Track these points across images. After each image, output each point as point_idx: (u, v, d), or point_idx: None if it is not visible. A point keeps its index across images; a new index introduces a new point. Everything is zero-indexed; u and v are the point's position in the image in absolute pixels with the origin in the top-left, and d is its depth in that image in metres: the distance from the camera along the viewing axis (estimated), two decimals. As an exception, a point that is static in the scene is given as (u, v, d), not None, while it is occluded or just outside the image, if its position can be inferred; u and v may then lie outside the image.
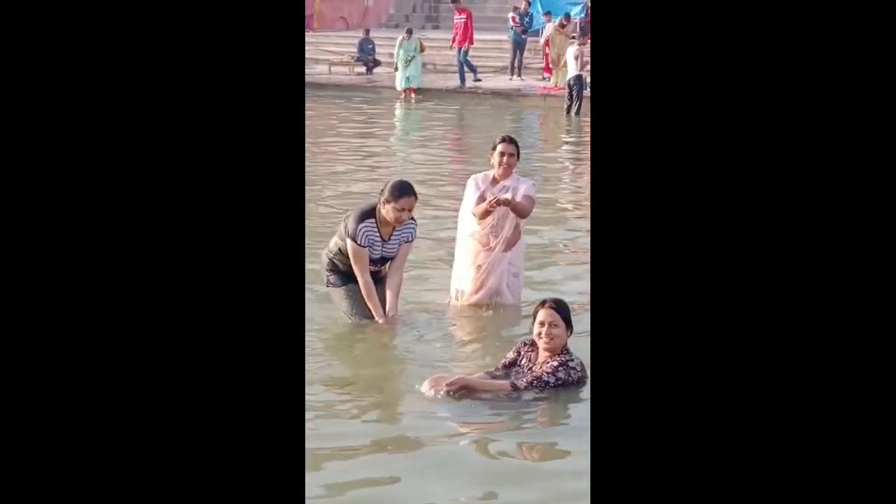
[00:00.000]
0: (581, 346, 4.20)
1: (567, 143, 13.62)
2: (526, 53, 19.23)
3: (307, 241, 3.05)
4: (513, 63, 19.07)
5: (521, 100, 17.42)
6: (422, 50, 17.62)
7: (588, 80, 15.24)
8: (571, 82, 15.48)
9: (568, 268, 6.60)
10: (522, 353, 4.24)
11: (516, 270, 5.45)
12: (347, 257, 4.93)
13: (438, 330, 5.09)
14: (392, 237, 4.96)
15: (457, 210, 5.68)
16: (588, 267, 6.23)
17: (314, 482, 2.32)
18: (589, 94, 14.83)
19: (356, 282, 4.98)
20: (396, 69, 17.34)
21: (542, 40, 18.88)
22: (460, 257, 5.47)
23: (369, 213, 4.90)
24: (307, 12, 21.24)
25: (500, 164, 5.28)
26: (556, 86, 17.56)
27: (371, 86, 18.80)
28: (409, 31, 17.33)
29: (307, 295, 4.11)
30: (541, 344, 4.16)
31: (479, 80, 18.45)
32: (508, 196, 5.15)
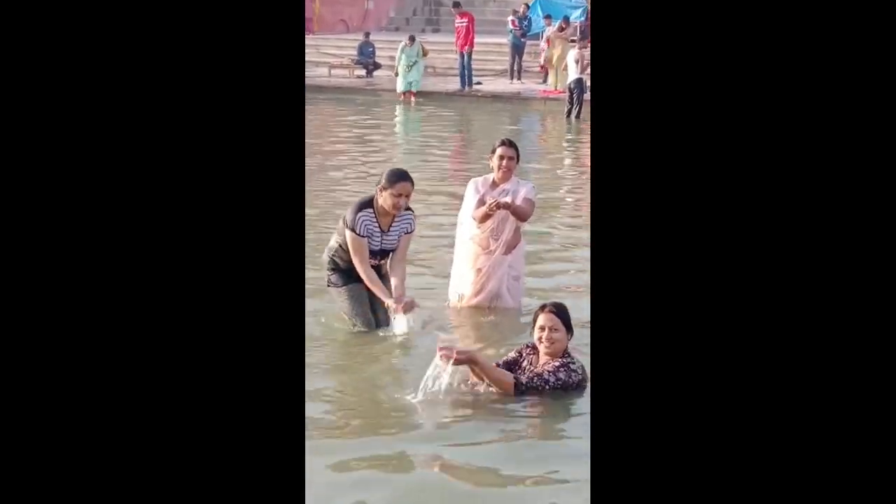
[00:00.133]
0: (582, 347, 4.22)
1: (567, 146, 13.62)
2: (525, 57, 19.26)
3: (306, 241, 3.04)
4: (512, 66, 19.10)
5: (521, 103, 17.43)
6: (424, 54, 17.63)
7: (588, 83, 15.26)
8: (572, 86, 15.50)
9: (568, 271, 6.60)
10: (524, 354, 4.23)
11: (517, 274, 5.45)
12: (348, 252, 4.91)
13: (438, 333, 5.08)
14: (391, 228, 4.94)
15: (456, 213, 5.67)
16: (588, 270, 6.28)
17: (310, 493, 2.32)
18: (589, 98, 14.84)
19: (357, 281, 4.97)
20: (397, 74, 17.32)
21: (541, 44, 18.92)
22: (460, 261, 5.46)
23: (367, 204, 4.91)
24: (307, 15, 21.27)
25: (499, 168, 5.28)
26: (555, 89, 17.58)
27: (371, 89, 18.82)
28: (412, 38, 17.32)
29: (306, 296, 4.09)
30: (541, 348, 4.16)
31: (480, 83, 18.47)
32: (508, 199, 5.15)
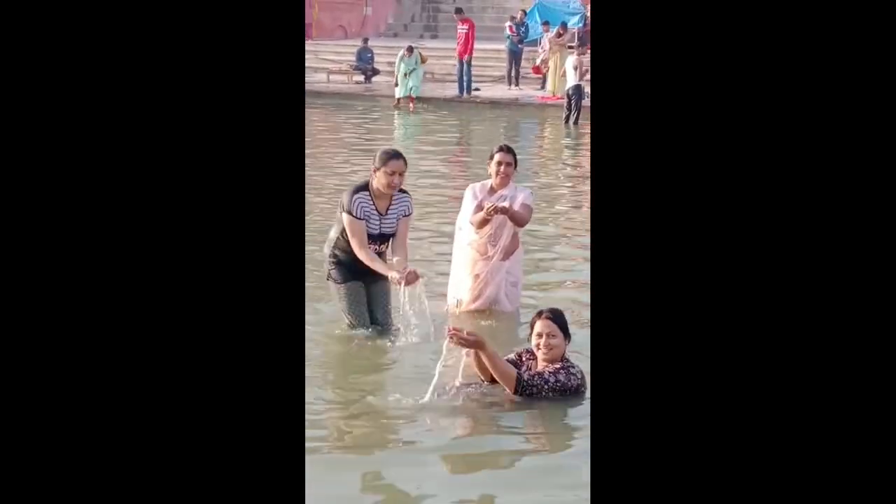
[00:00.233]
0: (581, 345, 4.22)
1: (565, 152, 13.63)
2: (523, 63, 19.29)
3: (306, 243, 3.05)
4: (510, 73, 19.13)
5: (520, 109, 17.45)
6: (423, 61, 17.63)
7: (587, 90, 15.29)
8: (570, 92, 15.52)
9: (566, 276, 6.61)
10: (524, 359, 4.24)
11: (515, 279, 5.46)
12: (348, 241, 4.89)
13: (436, 338, 5.09)
14: (389, 211, 4.93)
15: (455, 219, 5.68)
16: (587, 275, 6.29)
17: (309, 493, 2.34)
18: (588, 104, 14.86)
19: (357, 279, 4.97)
20: (397, 84, 17.30)
21: (539, 50, 18.95)
22: (458, 266, 5.47)
23: (363, 187, 4.92)
24: (306, 21, 21.28)
25: (497, 174, 5.30)
26: (553, 95, 17.60)
27: (369, 94, 18.84)
28: (410, 49, 17.30)
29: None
30: (539, 355, 4.16)
31: (478, 89, 18.49)
32: (506, 204, 5.16)
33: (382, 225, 4.93)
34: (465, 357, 4.12)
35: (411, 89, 17.32)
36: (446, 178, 10.57)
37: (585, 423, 3.63)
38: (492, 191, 5.34)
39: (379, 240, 4.94)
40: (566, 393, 4.07)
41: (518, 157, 5.49)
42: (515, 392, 4.05)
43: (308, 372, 3.19)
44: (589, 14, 20.99)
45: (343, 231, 4.91)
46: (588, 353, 4.50)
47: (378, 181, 4.85)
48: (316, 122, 14.64)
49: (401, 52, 17.33)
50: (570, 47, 17.84)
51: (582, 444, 3.59)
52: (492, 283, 5.34)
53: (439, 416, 4.01)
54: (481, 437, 3.90)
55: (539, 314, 4.23)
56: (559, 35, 18.05)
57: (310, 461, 2.24)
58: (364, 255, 4.84)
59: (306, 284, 3.74)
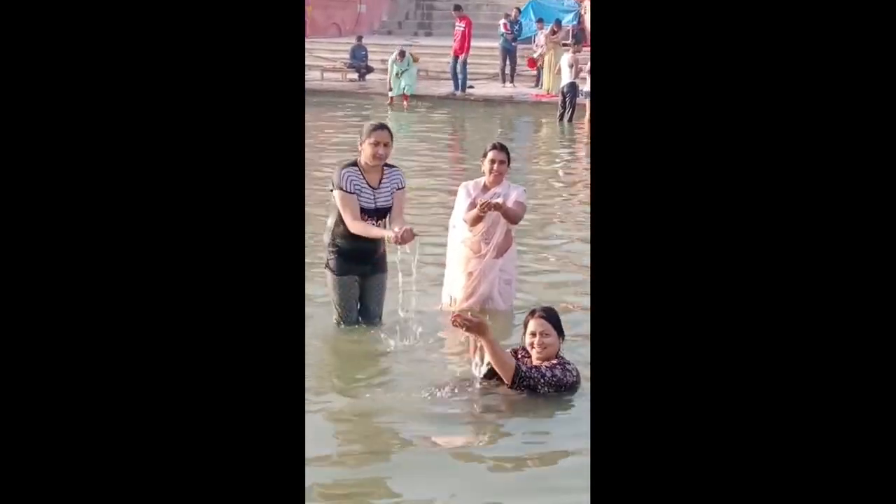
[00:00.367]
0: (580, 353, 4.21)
1: (560, 150, 13.64)
2: (518, 60, 19.29)
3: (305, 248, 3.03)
4: (503, 70, 19.12)
5: (514, 107, 17.45)
6: (415, 61, 17.62)
7: (582, 88, 15.31)
8: (565, 90, 15.53)
9: (560, 274, 6.61)
10: (519, 356, 4.23)
11: (508, 277, 5.46)
12: (345, 226, 4.86)
13: (430, 336, 5.09)
14: (381, 184, 4.92)
15: (448, 217, 5.68)
16: (580, 273, 6.30)
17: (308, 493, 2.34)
18: (586, 102, 14.88)
19: (355, 272, 4.97)
20: (391, 89, 17.26)
21: (534, 47, 18.96)
22: (452, 264, 5.47)
23: (351, 163, 4.93)
24: (300, 19, 21.21)
25: (490, 172, 5.30)
26: (547, 93, 17.60)
27: (363, 92, 18.82)
28: (402, 53, 17.26)
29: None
30: (534, 354, 4.17)
31: (472, 86, 18.49)
32: (500, 200, 5.15)
33: (377, 198, 4.90)
34: (465, 341, 4.11)
35: (405, 88, 17.31)
36: (440, 176, 10.56)
37: (586, 428, 3.59)
38: (485, 189, 5.34)
39: (375, 215, 4.90)
40: (561, 389, 4.07)
41: (512, 154, 5.49)
42: (512, 384, 4.03)
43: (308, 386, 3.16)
44: (583, 12, 21.02)
45: (340, 217, 4.89)
46: (580, 351, 4.54)
47: (364, 154, 4.87)
48: (310, 119, 14.60)
49: (392, 56, 17.30)
50: (565, 45, 17.85)
51: (582, 447, 3.56)
52: (485, 281, 5.34)
53: (437, 421, 3.99)
54: (481, 443, 3.87)
55: (532, 313, 4.23)
56: (553, 32, 18.06)
57: (309, 471, 2.23)
58: (358, 226, 4.82)
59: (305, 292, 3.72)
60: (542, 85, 18.37)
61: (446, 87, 18.59)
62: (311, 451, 2.34)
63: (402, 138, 13.40)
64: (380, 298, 5.13)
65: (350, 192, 4.83)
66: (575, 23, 20.85)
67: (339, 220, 4.90)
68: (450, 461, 3.68)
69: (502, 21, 19.22)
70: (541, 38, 18.55)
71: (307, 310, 3.91)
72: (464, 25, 18.30)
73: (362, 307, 5.13)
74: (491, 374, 4.13)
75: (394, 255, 4.89)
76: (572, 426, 3.89)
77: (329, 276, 5.04)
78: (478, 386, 4.16)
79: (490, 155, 5.30)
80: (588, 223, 8.18)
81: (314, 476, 3.16)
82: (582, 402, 4.01)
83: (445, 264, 5.57)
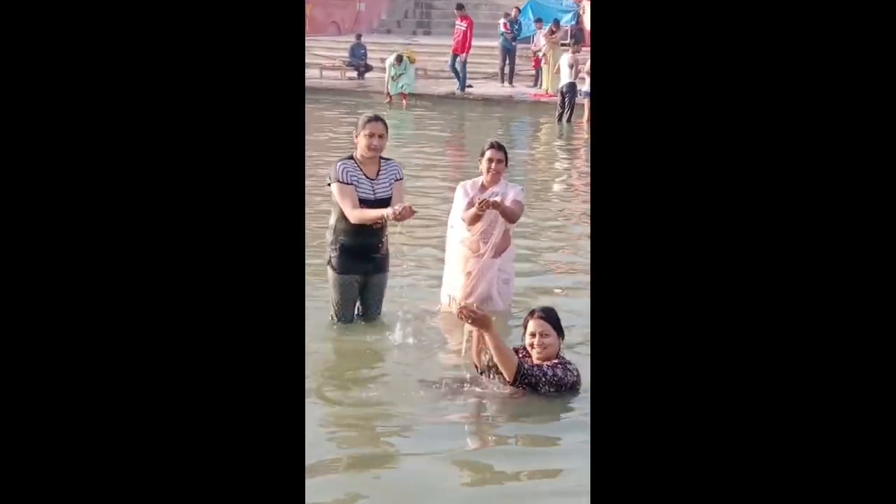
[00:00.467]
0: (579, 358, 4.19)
1: (558, 149, 13.64)
2: (517, 60, 19.27)
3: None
4: (503, 70, 19.11)
5: (513, 106, 17.44)
6: (412, 61, 17.61)
7: (581, 88, 15.31)
8: (564, 90, 15.53)
9: (559, 274, 6.60)
10: (520, 355, 4.22)
11: (507, 276, 5.45)
12: (347, 222, 4.86)
13: (429, 336, 5.08)
14: (379, 175, 4.92)
15: (447, 216, 5.67)
16: (580, 273, 6.29)
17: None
18: (584, 102, 14.88)
19: (357, 271, 4.96)
20: (388, 92, 17.25)
21: (532, 47, 18.95)
22: (450, 264, 5.46)
23: (347, 157, 4.96)
24: (299, 17, 21.19)
25: (488, 171, 5.29)
26: (546, 93, 17.59)
27: (362, 90, 18.80)
28: (399, 58, 17.24)
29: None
30: (534, 354, 4.16)
31: (471, 86, 18.47)
32: (498, 199, 5.14)
33: (376, 189, 4.89)
34: (469, 338, 4.10)
35: (403, 87, 17.31)
36: (438, 175, 10.54)
37: (585, 437, 3.57)
38: (483, 188, 5.33)
39: (375, 206, 4.87)
40: (562, 388, 4.07)
41: (511, 154, 5.47)
42: (514, 380, 4.02)
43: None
44: (581, 12, 21.01)
45: (341, 213, 4.88)
46: (580, 350, 4.54)
47: (360, 147, 4.89)
48: (308, 117, 14.59)
49: (390, 59, 17.29)
50: (564, 44, 17.83)
51: (582, 467, 3.52)
52: (483, 281, 5.33)
53: (436, 426, 3.96)
54: (480, 452, 3.85)
55: (531, 313, 4.22)
56: (552, 32, 18.04)
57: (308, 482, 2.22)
58: (357, 214, 4.81)
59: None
60: (541, 84, 18.35)
61: (445, 87, 18.57)
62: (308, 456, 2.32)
63: (401, 137, 13.42)
64: (380, 298, 5.14)
65: (347, 183, 4.83)
66: (573, 23, 20.83)
67: (341, 216, 4.90)
68: (447, 467, 3.66)
69: (502, 20, 19.19)
70: (539, 37, 18.53)
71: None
72: (465, 25, 18.28)
73: (362, 306, 5.13)
74: (492, 371, 4.11)
75: (393, 250, 4.87)
76: (573, 433, 3.86)
77: (330, 274, 5.04)
78: (477, 389, 4.14)
79: (488, 154, 5.30)
80: (588, 222, 8.19)
81: (309, 483, 3.14)
82: (581, 405, 3.99)
83: (444, 263, 5.56)
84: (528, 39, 19.54)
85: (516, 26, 19.46)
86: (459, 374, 4.36)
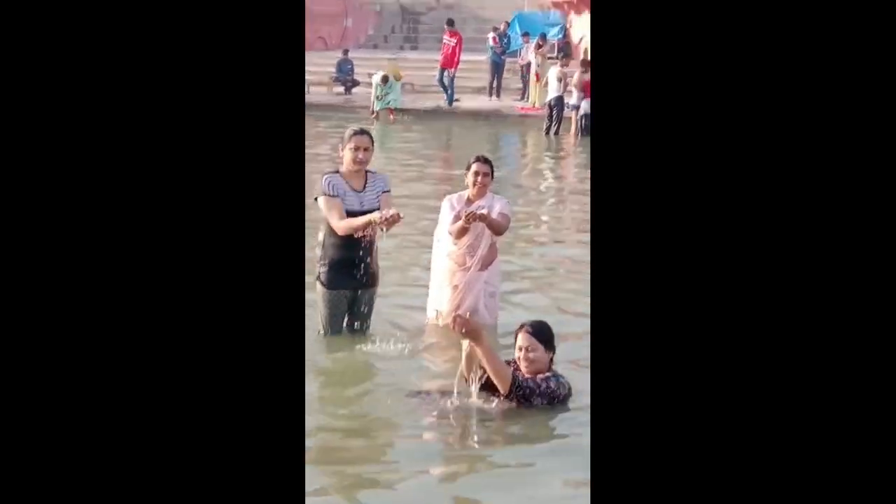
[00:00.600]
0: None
1: (546, 162, 13.66)
2: (505, 74, 19.34)
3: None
4: (492, 84, 19.16)
5: (500, 120, 17.48)
6: (398, 79, 17.66)
7: (568, 101, 15.37)
8: (552, 103, 15.58)
9: (546, 287, 6.60)
10: (512, 368, 4.21)
11: (493, 290, 5.45)
12: (335, 236, 4.85)
13: (415, 349, 5.07)
14: (366, 188, 4.92)
15: (434, 230, 5.66)
16: (567, 287, 6.29)
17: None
18: (574, 115, 14.93)
19: (345, 286, 4.94)
20: (373, 111, 17.27)
21: (520, 61, 19.00)
22: (437, 278, 5.46)
23: (334, 171, 4.98)
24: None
25: (474, 184, 5.30)
26: (533, 106, 17.64)
27: (349, 106, 18.81)
28: (385, 79, 17.28)
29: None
30: (522, 367, 4.15)
31: (458, 99, 18.51)
32: (484, 211, 5.15)
33: (363, 201, 4.89)
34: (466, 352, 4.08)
35: (390, 102, 17.34)
36: (425, 189, 10.54)
37: (583, 460, 3.56)
38: (469, 201, 5.34)
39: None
40: (554, 401, 4.07)
41: (500, 167, 5.48)
42: (509, 393, 4.00)
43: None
44: (568, 26, 21.11)
45: (329, 229, 4.87)
46: (574, 361, 4.53)
47: (345, 160, 4.90)
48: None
49: (376, 79, 17.33)
50: (551, 58, 17.89)
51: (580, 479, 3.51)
52: (470, 294, 5.32)
53: (424, 444, 3.94)
54: (475, 477, 3.79)
55: (521, 327, 4.22)
56: (539, 46, 18.10)
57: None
58: (344, 224, 4.80)
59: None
60: (527, 98, 18.41)
61: (432, 101, 18.60)
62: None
63: (388, 151, 13.44)
64: (368, 312, 5.13)
65: (334, 195, 4.82)
66: (560, 36, 20.92)
67: (329, 231, 4.90)
68: (435, 486, 3.63)
69: (491, 35, 19.25)
70: (527, 51, 18.58)
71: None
72: (454, 41, 18.34)
73: (351, 320, 5.12)
74: (485, 387, 4.10)
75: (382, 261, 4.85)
76: (566, 457, 3.81)
77: (319, 289, 5.03)
78: (466, 402, 4.13)
79: (474, 167, 5.30)
80: (574, 236, 8.20)
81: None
82: (574, 427, 3.96)
83: (430, 277, 5.56)
84: (515, 53, 19.60)
85: (505, 40, 19.53)
86: (448, 387, 4.34)
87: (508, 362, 4.20)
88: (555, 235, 8.40)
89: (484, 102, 18.80)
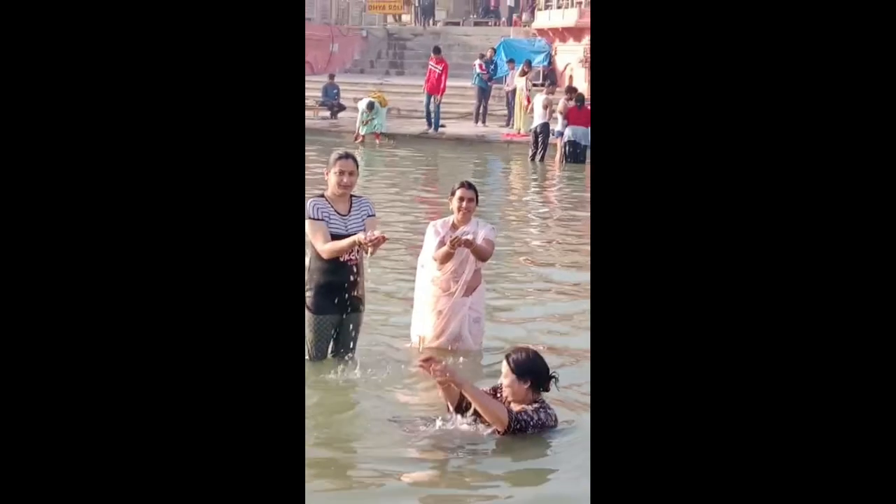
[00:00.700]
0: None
1: (531, 188, 13.70)
2: (490, 100, 19.42)
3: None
4: (478, 110, 19.24)
5: (486, 146, 17.53)
6: (383, 104, 17.73)
7: (554, 128, 15.45)
8: (538, 129, 15.65)
9: (536, 310, 6.58)
10: (497, 393, 4.20)
11: (477, 315, 5.44)
12: (323, 260, 4.84)
13: (399, 375, 5.04)
14: (351, 212, 4.92)
15: (418, 255, 5.66)
16: (557, 309, 6.28)
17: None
18: (559, 141, 14.98)
19: (333, 311, 4.92)
20: (358, 136, 17.31)
21: (505, 87, 19.10)
22: (421, 303, 5.45)
23: (318, 195, 4.97)
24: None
25: (459, 209, 5.30)
26: (518, 132, 17.71)
27: (335, 130, 18.84)
28: (371, 105, 17.36)
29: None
30: (504, 393, 4.14)
31: (443, 125, 18.58)
32: (469, 237, 5.14)
33: (349, 225, 4.88)
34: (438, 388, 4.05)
35: (376, 126, 17.38)
36: (410, 214, 10.54)
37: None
38: (454, 227, 5.33)
39: None
40: (544, 431, 4.04)
41: (485, 193, 5.48)
42: (507, 431, 3.97)
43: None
44: (554, 53, 21.24)
45: (315, 253, 4.86)
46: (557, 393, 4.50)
47: (330, 184, 4.90)
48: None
49: (362, 106, 17.39)
50: (535, 85, 17.98)
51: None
52: (454, 320, 5.32)
53: (412, 467, 3.90)
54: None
55: (507, 355, 4.19)
56: (524, 73, 18.20)
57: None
58: (328, 247, 4.79)
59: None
60: (513, 124, 18.48)
61: (418, 126, 18.65)
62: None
63: (373, 176, 13.44)
64: (355, 337, 5.10)
65: (318, 219, 4.82)
66: (545, 63, 21.04)
67: (316, 256, 4.88)
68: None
69: (477, 62, 19.35)
70: (512, 77, 18.67)
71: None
72: (441, 68, 18.43)
73: (337, 344, 5.09)
74: (476, 415, 4.08)
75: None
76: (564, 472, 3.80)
77: (307, 314, 4.99)
78: (449, 428, 4.10)
79: (458, 193, 5.30)
80: (557, 261, 8.21)
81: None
82: (565, 465, 3.92)
83: (413, 303, 5.54)
84: (501, 80, 19.70)
85: (492, 66, 19.62)
86: (432, 413, 4.31)
87: (495, 389, 4.19)
88: (543, 260, 8.39)
89: (469, 128, 18.86)
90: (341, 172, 4.86)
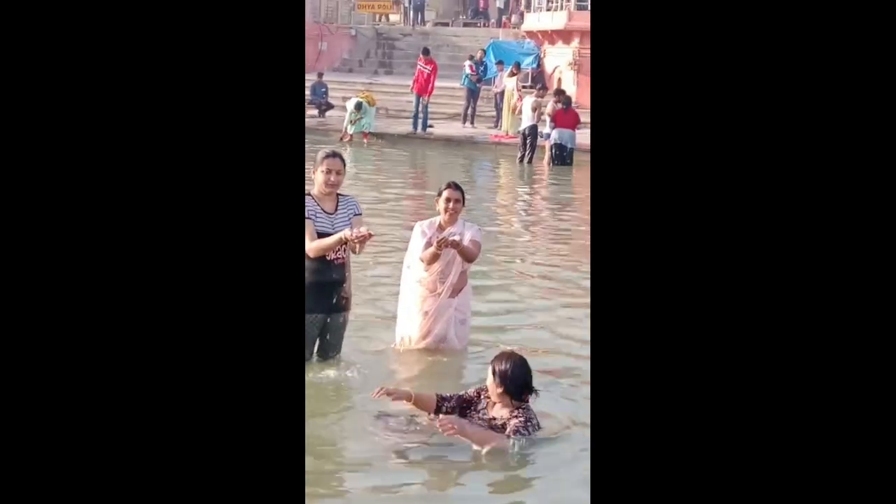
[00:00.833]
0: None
1: (519, 190, 13.71)
2: (479, 102, 19.43)
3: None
4: (466, 111, 19.25)
5: (474, 147, 17.54)
6: (371, 104, 17.71)
7: (542, 130, 15.47)
8: (527, 132, 15.66)
9: (522, 315, 6.58)
10: (482, 397, 4.20)
11: (463, 316, 5.44)
12: (309, 259, 4.82)
13: (383, 376, 5.03)
14: (338, 210, 4.91)
15: (403, 256, 5.65)
16: (546, 313, 6.30)
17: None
18: (547, 143, 15.01)
19: (320, 310, 4.91)
20: (347, 133, 17.29)
21: (494, 89, 19.11)
22: (406, 304, 5.44)
23: (306, 194, 4.91)
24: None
25: (445, 210, 5.30)
26: (507, 134, 17.73)
27: (323, 129, 18.81)
28: (359, 106, 17.34)
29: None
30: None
31: (432, 126, 18.57)
32: (457, 238, 5.14)
33: (335, 223, 4.88)
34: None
35: (364, 126, 17.37)
36: (397, 215, 10.53)
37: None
38: (440, 228, 5.33)
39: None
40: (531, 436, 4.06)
41: (474, 194, 5.48)
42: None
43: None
44: (542, 55, 21.27)
45: (304, 253, 4.83)
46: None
47: (317, 183, 4.90)
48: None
49: (350, 105, 17.37)
50: (524, 87, 17.99)
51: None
52: (440, 321, 5.32)
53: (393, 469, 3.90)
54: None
55: (491, 361, 4.20)
56: (512, 74, 18.22)
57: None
58: (315, 245, 4.79)
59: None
60: (500, 126, 18.50)
61: (406, 126, 18.65)
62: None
63: (360, 176, 13.42)
64: (340, 337, 5.11)
65: (305, 218, 4.80)
66: (534, 65, 21.07)
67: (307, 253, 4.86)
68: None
69: (467, 63, 19.36)
70: (501, 79, 18.69)
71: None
72: (430, 69, 18.43)
73: (322, 345, 5.08)
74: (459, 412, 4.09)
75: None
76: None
77: None
78: (434, 427, 4.09)
79: (445, 194, 5.31)
80: (546, 261, 8.22)
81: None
82: (548, 474, 3.92)
83: (398, 303, 5.53)
84: (490, 81, 19.72)
85: (482, 68, 19.64)
86: (415, 413, 4.31)
87: (479, 391, 4.21)
88: (530, 260, 8.40)
89: (458, 129, 18.87)
90: (328, 171, 4.86)
